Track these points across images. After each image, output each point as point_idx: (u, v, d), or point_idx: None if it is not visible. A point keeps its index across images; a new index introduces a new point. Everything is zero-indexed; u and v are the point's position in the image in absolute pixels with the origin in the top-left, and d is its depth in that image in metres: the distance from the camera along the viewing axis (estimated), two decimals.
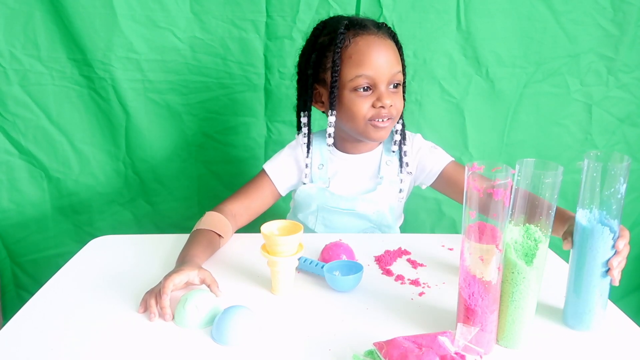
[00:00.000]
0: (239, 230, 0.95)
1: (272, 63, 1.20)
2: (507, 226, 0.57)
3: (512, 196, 0.56)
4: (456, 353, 0.53)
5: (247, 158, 1.17)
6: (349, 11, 1.14)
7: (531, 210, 0.57)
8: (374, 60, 0.88)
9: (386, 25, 0.94)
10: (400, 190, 1.00)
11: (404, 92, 0.96)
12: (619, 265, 0.65)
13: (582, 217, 0.63)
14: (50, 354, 0.60)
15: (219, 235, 0.87)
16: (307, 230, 1.01)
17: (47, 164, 1.23)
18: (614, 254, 0.64)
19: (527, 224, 0.58)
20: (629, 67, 1.23)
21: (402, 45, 1.18)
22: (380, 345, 0.56)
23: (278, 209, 1.13)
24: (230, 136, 1.27)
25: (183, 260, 0.78)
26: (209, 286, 0.73)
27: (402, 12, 1.16)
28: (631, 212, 1.37)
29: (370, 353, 0.57)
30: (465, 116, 1.25)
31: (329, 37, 0.91)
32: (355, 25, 0.90)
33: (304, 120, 0.96)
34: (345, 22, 0.90)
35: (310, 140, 0.97)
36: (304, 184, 0.98)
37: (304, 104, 0.96)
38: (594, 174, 0.59)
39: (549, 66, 1.23)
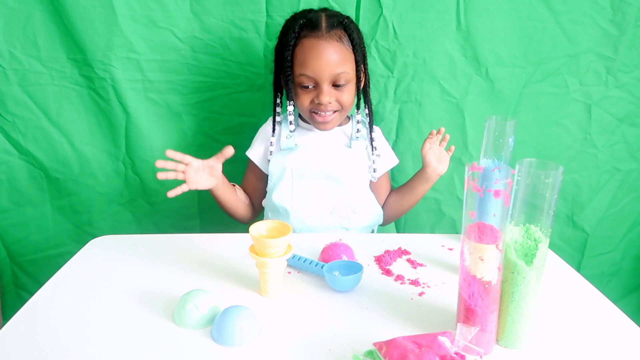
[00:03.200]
0: (241, 230, 0.95)
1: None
2: (507, 226, 0.57)
3: (512, 196, 0.56)
4: (456, 353, 0.54)
5: (247, 158, 1.17)
6: (349, 11, 1.14)
7: (531, 210, 0.57)
8: (314, 62, 0.97)
9: (346, 23, 1.00)
10: (375, 170, 1.10)
11: (364, 86, 1.07)
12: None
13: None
14: (50, 354, 0.60)
15: (233, 185, 1.09)
16: (284, 214, 1.07)
17: (46, 164, 1.23)
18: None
19: (527, 224, 0.58)
20: (628, 67, 1.23)
21: (402, 45, 1.19)
22: (380, 345, 0.56)
23: None
24: (230, 136, 1.27)
25: None
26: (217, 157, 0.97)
27: (402, 12, 1.16)
28: (631, 211, 1.37)
29: (370, 353, 0.57)
30: (465, 116, 1.25)
31: (286, 35, 1.00)
32: (308, 26, 0.98)
33: (279, 101, 1.08)
34: (301, 21, 0.98)
35: (276, 120, 1.09)
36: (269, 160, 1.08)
37: (276, 88, 1.09)
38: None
39: (549, 66, 1.22)
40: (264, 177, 1.12)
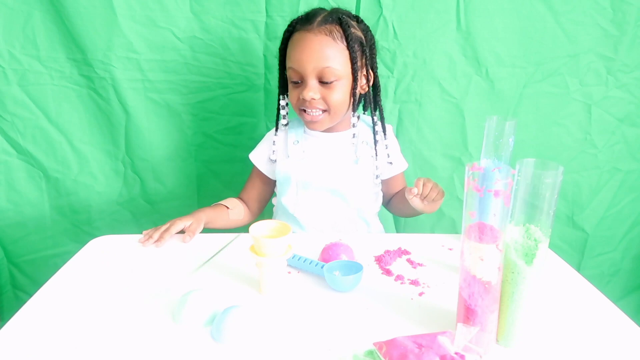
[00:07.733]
0: (241, 230, 0.95)
1: (272, 63, 1.20)
2: (507, 226, 0.57)
3: (512, 196, 0.56)
4: (456, 353, 0.53)
5: (247, 158, 1.17)
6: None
7: (531, 210, 0.57)
8: (298, 55, 0.94)
9: (344, 19, 0.95)
10: (377, 177, 1.07)
11: (369, 88, 1.03)
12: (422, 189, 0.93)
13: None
14: (50, 355, 0.60)
15: (226, 207, 1.06)
16: (289, 217, 1.05)
17: (45, 164, 1.23)
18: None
19: (527, 224, 0.58)
20: (628, 67, 1.23)
21: (402, 45, 1.19)
22: (380, 345, 0.56)
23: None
24: (230, 136, 1.27)
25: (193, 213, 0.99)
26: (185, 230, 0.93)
27: (402, 12, 1.16)
28: (631, 212, 1.37)
29: (370, 353, 0.57)
30: (465, 116, 1.25)
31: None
32: (303, 20, 0.96)
33: (282, 102, 1.04)
34: (299, 16, 0.97)
35: (279, 119, 1.06)
36: (274, 160, 1.06)
37: (281, 88, 1.05)
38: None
39: (549, 66, 1.22)
40: (270, 181, 1.10)
